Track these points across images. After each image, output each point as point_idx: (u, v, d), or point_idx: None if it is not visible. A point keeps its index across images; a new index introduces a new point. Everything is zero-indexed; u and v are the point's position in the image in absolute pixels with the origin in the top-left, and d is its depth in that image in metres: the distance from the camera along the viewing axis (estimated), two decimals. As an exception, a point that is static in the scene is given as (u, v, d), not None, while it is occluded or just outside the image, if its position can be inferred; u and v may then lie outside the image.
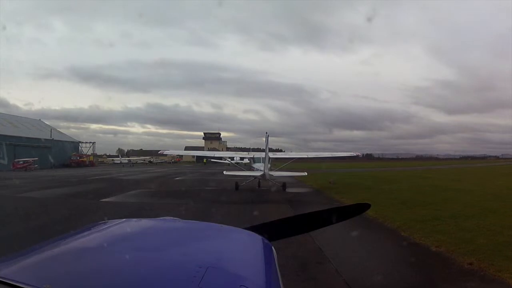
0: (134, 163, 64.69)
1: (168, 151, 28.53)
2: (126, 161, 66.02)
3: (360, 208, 1.76)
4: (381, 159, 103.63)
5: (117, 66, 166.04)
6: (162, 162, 70.79)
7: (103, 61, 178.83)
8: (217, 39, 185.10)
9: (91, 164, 59.52)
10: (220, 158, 36.72)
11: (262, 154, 19.11)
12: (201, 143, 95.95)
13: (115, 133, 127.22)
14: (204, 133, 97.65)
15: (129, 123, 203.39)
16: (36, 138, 50.64)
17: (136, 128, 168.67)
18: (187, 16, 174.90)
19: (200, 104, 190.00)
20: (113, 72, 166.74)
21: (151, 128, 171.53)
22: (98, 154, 74.69)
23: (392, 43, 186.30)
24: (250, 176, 18.47)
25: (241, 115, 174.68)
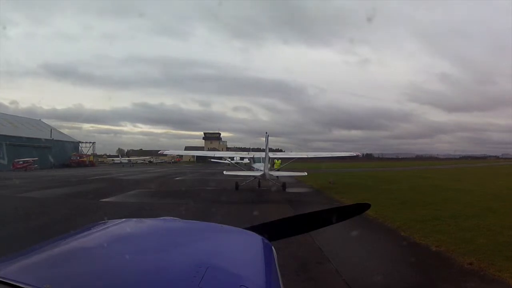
0: (134, 163, 64.69)
1: (168, 151, 28.57)
2: (126, 161, 66.01)
3: (360, 208, 1.75)
4: (381, 159, 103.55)
5: (91, 63, 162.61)
6: (162, 162, 70.78)
7: (77, 58, 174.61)
8: (191, 29, 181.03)
9: (91, 164, 59.52)
10: (220, 158, 36.69)
11: (262, 154, 19.11)
12: (201, 143, 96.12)
13: (108, 132, 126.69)
14: (204, 133, 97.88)
15: (121, 123, 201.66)
16: (36, 138, 50.62)
17: (133, 128, 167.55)
18: (151, 4, 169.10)
19: (189, 102, 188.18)
20: (89, 70, 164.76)
21: (149, 129, 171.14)
22: (98, 154, 74.78)
23: (389, 37, 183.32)
24: (250, 176, 18.46)
25: (235, 115, 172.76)
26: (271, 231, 1.53)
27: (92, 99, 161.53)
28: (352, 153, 23.27)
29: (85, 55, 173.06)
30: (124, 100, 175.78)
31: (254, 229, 1.51)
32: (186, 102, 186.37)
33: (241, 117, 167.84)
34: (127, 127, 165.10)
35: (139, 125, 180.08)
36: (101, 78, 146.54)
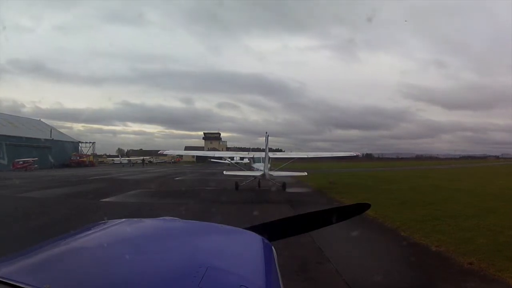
0: (134, 163, 64.71)
1: (168, 151, 28.52)
2: (126, 161, 66.02)
3: (360, 208, 1.75)
4: (381, 159, 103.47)
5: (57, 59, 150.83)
6: (162, 162, 70.78)
7: (40, 53, 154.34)
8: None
9: (91, 164, 59.50)
10: (220, 158, 36.69)
11: (262, 154, 19.11)
12: (201, 143, 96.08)
13: (100, 132, 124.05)
14: (204, 133, 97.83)
15: (114, 123, 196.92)
16: (36, 138, 50.60)
17: (126, 128, 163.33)
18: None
19: (179, 101, 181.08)
20: (60, 66, 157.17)
21: (148, 129, 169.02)
22: (98, 154, 74.72)
23: (388, 33, 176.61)
24: (250, 176, 18.47)
25: (232, 114, 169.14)
26: (271, 231, 1.53)
27: (72, 97, 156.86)
28: (352, 153, 23.28)
29: (52, 50, 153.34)
30: (109, 99, 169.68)
31: (254, 229, 1.51)
32: (179, 101, 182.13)
33: (238, 117, 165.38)
34: (121, 126, 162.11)
35: (133, 124, 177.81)
36: (75, 76, 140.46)
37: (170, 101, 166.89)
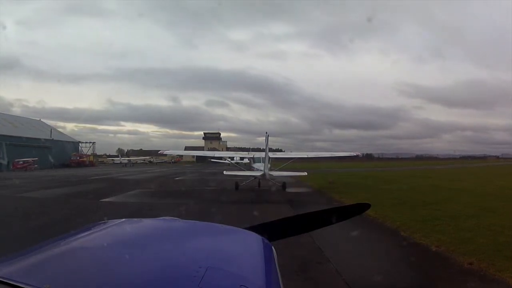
0: (134, 163, 64.76)
1: (168, 151, 28.54)
2: (126, 161, 66.05)
3: (360, 208, 1.76)
4: (381, 159, 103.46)
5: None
6: (162, 162, 70.80)
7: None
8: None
9: (91, 164, 59.55)
10: (220, 158, 36.67)
11: (262, 154, 19.10)
12: (201, 143, 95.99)
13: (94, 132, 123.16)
14: (204, 133, 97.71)
15: (109, 122, 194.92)
16: (36, 138, 50.58)
17: (121, 128, 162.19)
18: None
19: (158, 98, 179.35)
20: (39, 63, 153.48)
21: (147, 129, 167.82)
22: (98, 154, 74.72)
23: (387, 30, 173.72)
24: (250, 176, 18.47)
25: (232, 114, 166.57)
26: (271, 231, 1.53)
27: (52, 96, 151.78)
28: (352, 153, 23.29)
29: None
30: (96, 98, 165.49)
31: (254, 229, 1.51)
32: (166, 99, 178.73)
33: (230, 115, 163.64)
34: (114, 126, 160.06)
35: (126, 123, 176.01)
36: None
37: (158, 99, 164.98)
